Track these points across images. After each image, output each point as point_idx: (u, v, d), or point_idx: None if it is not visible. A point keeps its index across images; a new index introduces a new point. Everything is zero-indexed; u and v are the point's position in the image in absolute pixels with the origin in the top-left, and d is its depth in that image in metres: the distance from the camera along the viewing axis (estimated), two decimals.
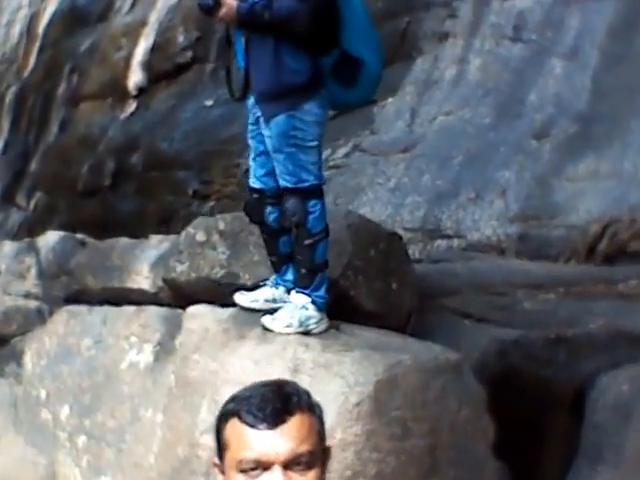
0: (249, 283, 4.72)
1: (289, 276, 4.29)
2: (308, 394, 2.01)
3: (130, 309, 5.05)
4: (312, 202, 4.03)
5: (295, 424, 1.93)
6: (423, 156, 6.67)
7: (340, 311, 4.40)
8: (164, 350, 4.69)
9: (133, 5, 9.74)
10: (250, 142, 4.20)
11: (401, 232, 6.16)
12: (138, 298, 5.19)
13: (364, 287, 4.68)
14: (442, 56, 7.33)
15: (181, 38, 9.03)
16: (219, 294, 4.81)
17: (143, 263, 5.23)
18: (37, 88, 9.89)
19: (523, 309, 4.92)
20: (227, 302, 4.63)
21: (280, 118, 3.97)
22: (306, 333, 4.08)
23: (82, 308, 5.28)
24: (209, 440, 3.96)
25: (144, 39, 9.25)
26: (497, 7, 7.12)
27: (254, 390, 2.00)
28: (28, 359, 5.30)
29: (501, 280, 5.23)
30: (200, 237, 4.90)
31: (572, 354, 4.60)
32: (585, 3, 6.82)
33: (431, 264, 5.70)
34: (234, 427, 1.95)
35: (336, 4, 4.00)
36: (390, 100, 7.14)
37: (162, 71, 9.15)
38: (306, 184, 4.02)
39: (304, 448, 1.92)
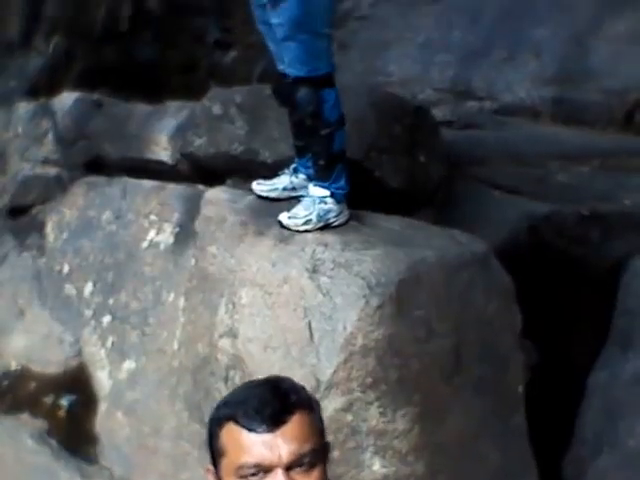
0: (269, 160, 4.56)
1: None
2: (304, 389, 1.91)
3: (149, 184, 4.91)
4: (326, 91, 3.81)
5: (296, 424, 1.83)
6: (454, 8, 6.26)
7: (365, 194, 4.23)
8: (184, 232, 4.58)
9: None
10: (260, 27, 3.93)
11: (430, 93, 5.90)
12: (157, 169, 5.05)
13: (389, 165, 4.49)
14: None
15: None
16: (239, 170, 4.68)
17: (161, 133, 5.05)
18: None
19: (556, 182, 4.71)
20: (247, 177, 4.51)
21: (291, 2, 3.71)
22: (325, 227, 3.94)
23: (101, 179, 5.15)
24: (227, 344, 3.93)
25: None
26: None
27: (248, 391, 1.89)
28: (50, 231, 5.22)
29: (534, 150, 4.99)
30: (217, 110, 4.72)
31: (605, 232, 4.44)
32: None
33: (461, 130, 5.44)
34: (230, 432, 1.84)
35: None
36: None
37: None
38: (320, 72, 3.79)
39: (307, 448, 1.82)
